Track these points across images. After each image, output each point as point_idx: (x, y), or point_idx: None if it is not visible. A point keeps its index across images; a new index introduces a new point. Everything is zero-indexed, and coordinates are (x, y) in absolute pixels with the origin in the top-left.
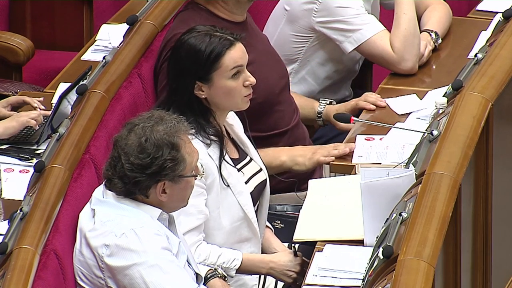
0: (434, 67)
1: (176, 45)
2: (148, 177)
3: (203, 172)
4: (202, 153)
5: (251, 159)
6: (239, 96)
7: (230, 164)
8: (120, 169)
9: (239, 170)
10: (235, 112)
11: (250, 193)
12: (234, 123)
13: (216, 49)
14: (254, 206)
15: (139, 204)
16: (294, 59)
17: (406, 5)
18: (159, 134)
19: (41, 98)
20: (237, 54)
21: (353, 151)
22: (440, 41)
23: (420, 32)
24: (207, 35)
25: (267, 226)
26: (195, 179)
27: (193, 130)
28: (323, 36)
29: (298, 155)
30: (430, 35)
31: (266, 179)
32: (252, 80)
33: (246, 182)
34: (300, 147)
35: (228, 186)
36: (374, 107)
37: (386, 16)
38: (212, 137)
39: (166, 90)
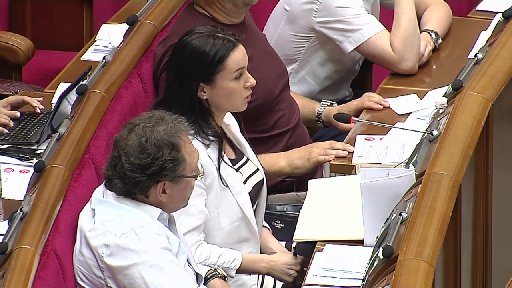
0: (434, 67)
1: (178, 46)
2: (148, 177)
3: (203, 173)
4: (201, 153)
5: (248, 159)
6: (239, 97)
7: (229, 165)
8: (120, 169)
9: (236, 170)
10: (231, 112)
11: (248, 193)
12: (230, 123)
13: (221, 51)
14: (252, 206)
15: (139, 204)
16: (294, 59)
17: (406, 5)
18: (160, 134)
19: (41, 98)
20: (239, 56)
21: (353, 152)
22: (440, 41)
23: (420, 32)
24: (210, 37)
25: (264, 226)
26: (195, 179)
27: (193, 131)
28: (323, 36)
29: (295, 158)
30: (430, 35)
31: (263, 179)
32: (252, 81)
33: (244, 183)
34: (295, 150)
35: (227, 186)
36: (381, 106)
37: (386, 16)
38: (211, 137)
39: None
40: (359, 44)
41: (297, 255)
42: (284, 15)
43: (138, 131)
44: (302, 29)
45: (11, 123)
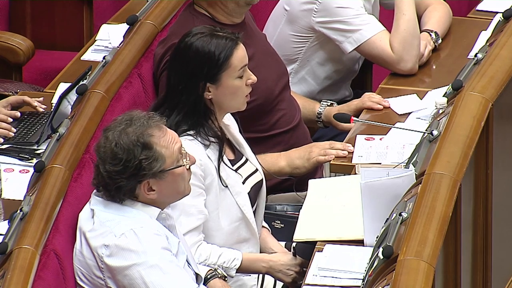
0: (434, 67)
1: (180, 47)
2: (128, 180)
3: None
4: (201, 153)
5: (247, 160)
6: (242, 95)
7: (228, 166)
8: (101, 178)
9: (235, 170)
10: (230, 112)
11: (247, 193)
12: (230, 123)
13: (225, 50)
14: (252, 206)
15: (137, 204)
16: (294, 59)
17: (406, 6)
18: (127, 136)
19: (41, 98)
20: (242, 53)
21: (353, 151)
22: (440, 41)
23: (420, 32)
24: (213, 36)
25: (263, 226)
26: (187, 168)
27: (193, 131)
28: (323, 36)
29: (295, 158)
30: (430, 35)
31: (262, 179)
32: (254, 78)
33: (243, 183)
34: (295, 149)
35: (227, 186)
36: (381, 106)
37: (386, 16)
38: (212, 138)
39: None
40: (358, 45)
41: (297, 256)
42: (284, 15)
43: (110, 136)
44: (302, 29)
45: (12, 132)
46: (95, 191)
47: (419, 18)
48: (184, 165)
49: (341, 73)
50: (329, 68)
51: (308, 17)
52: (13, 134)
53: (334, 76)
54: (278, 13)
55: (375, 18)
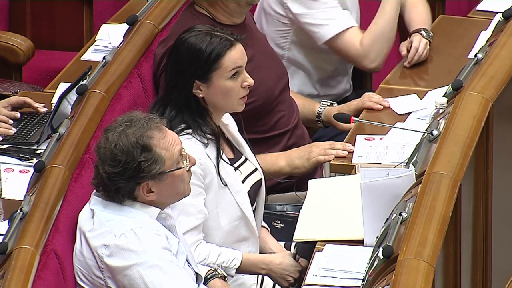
0: (434, 67)
1: (176, 43)
2: (127, 182)
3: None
4: (200, 152)
5: (246, 159)
6: (235, 97)
7: (228, 163)
8: (101, 178)
9: (235, 169)
10: (230, 113)
11: (247, 192)
12: (229, 123)
13: (217, 49)
14: (251, 205)
15: (136, 204)
16: (281, 55)
17: (389, 7)
18: (127, 138)
19: (42, 104)
20: (237, 55)
21: (353, 151)
22: (431, 34)
23: (410, 34)
24: (208, 35)
25: (262, 226)
26: (187, 170)
27: (190, 130)
28: (299, 29)
29: (295, 158)
30: (421, 34)
31: (261, 179)
32: (250, 81)
33: (242, 182)
34: (295, 149)
35: (226, 185)
36: (381, 106)
37: (369, 11)
38: (209, 136)
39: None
40: (326, 39)
41: (298, 261)
42: (262, 15)
43: (110, 137)
44: (280, 23)
45: (12, 131)
46: (95, 191)
47: (402, 15)
48: (183, 167)
49: (331, 62)
50: (316, 59)
51: (281, 10)
52: (12, 133)
53: (325, 66)
54: (258, 15)
55: (348, 13)
